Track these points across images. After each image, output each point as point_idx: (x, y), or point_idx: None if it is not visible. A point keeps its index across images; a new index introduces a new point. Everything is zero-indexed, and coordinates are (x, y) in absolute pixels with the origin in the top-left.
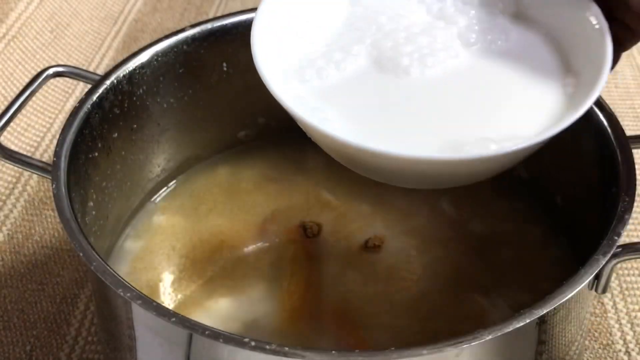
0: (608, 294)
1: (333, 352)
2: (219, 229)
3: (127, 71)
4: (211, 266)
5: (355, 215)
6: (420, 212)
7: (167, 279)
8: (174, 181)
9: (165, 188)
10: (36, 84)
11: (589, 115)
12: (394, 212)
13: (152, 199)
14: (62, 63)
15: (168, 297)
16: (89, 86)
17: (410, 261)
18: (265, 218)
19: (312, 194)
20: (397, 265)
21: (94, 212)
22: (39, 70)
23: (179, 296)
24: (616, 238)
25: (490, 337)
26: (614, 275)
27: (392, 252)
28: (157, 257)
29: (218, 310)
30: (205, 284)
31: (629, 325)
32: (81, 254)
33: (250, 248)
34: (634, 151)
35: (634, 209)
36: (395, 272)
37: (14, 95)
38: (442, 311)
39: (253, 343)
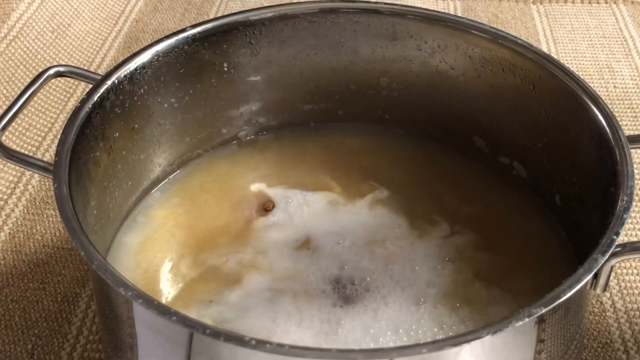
0: (607, 293)
1: (332, 350)
2: (216, 222)
3: (128, 71)
4: (209, 257)
5: None
6: (422, 204)
7: (166, 271)
8: (172, 175)
9: (164, 182)
10: (37, 84)
11: (587, 114)
12: None
13: (151, 193)
14: (63, 63)
15: (167, 290)
16: (90, 86)
17: (413, 250)
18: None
19: (309, 188)
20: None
21: (95, 212)
22: (40, 70)
23: (179, 287)
24: (615, 237)
25: (489, 336)
26: (612, 274)
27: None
28: (156, 250)
29: (216, 299)
30: (204, 274)
31: (627, 325)
32: (83, 253)
33: (245, 238)
34: (633, 151)
35: (633, 208)
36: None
37: (15, 95)
38: (443, 301)
39: (254, 342)
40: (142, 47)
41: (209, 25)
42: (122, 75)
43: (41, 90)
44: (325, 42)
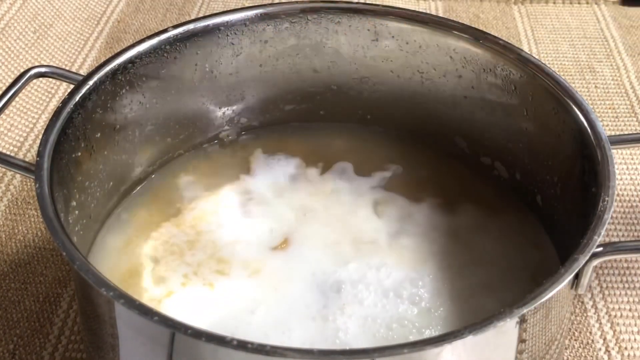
0: (588, 293)
1: (314, 350)
2: (196, 220)
3: (110, 71)
4: (191, 255)
5: None
6: (402, 205)
7: (147, 271)
8: (154, 175)
9: (145, 182)
10: (19, 84)
11: (568, 115)
12: None
13: (132, 193)
14: (45, 63)
15: (149, 289)
16: (72, 86)
17: (400, 253)
18: None
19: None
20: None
21: (77, 212)
22: (22, 70)
23: (160, 286)
24: (596, 238)
25: (470, 335)
26: (594, 274)
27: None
28: (138, 250)
29: (199, 297)
30: (187, 272)
31: (608, 325)
32: (64, 254)
33: (226, 235)
34: (614, 151)
35: (614, 208)
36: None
37: None
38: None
39: (235, 342)
40: (123, 47)
41: (190, 26)
42: (104, 76)
43: (23, 91)
44: (307, 43)
